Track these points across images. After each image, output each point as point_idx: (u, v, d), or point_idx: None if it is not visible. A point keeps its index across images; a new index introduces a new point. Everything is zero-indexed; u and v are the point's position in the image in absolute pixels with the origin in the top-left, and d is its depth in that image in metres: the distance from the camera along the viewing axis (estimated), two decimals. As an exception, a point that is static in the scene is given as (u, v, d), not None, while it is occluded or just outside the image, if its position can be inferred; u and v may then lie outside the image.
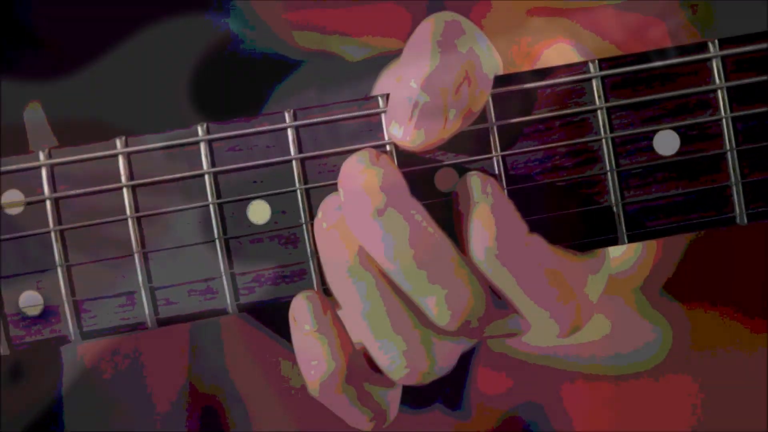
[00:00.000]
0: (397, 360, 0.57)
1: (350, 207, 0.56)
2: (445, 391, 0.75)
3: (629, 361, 1.75)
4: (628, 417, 1.69)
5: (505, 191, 0.58)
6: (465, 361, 0.76)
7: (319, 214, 0.57)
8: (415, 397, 0.76)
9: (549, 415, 1.69)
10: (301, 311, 0.58)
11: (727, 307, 1.72)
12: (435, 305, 0.56)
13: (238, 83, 0.76)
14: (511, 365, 1.71)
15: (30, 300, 0.60)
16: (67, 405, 0.74)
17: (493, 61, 0.57)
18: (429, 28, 0.57)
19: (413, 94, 0.56)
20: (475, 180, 0.56)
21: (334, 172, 0.58)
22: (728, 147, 0.56)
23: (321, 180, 0.58)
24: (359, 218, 0.56)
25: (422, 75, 0.55)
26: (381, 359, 0.57)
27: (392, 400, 0.60)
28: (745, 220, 0.56)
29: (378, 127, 0.58)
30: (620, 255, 1.86)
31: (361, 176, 0.56)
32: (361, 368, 0.59)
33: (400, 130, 0.56)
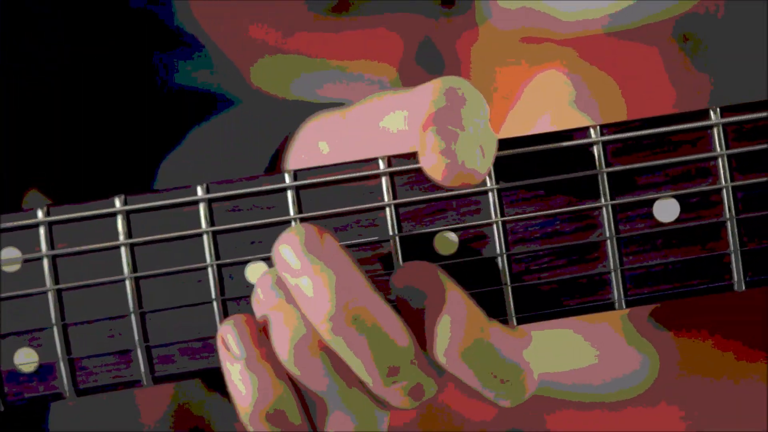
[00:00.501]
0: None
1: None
2: None
3: (616, 389, 1.75)
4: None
5: (505, 254, 0.57)
6: None
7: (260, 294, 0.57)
8: None
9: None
10: (228, 335, 0.57)
11: (716, 334, 1.72)
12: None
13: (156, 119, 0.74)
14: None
15: (25, 357, 0.59)
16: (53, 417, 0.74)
17: (490, 137, 0.56)
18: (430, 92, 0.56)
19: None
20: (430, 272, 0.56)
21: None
22: (728, 215, 0.56)
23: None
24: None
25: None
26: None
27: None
28: (743, 287, 0.56)
29: (377, 190, 0.58)
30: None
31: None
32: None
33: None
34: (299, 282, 0.55)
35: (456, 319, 0.55)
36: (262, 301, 0.56)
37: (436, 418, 1.66)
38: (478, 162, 0.55)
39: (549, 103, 1.68)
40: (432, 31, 1.69)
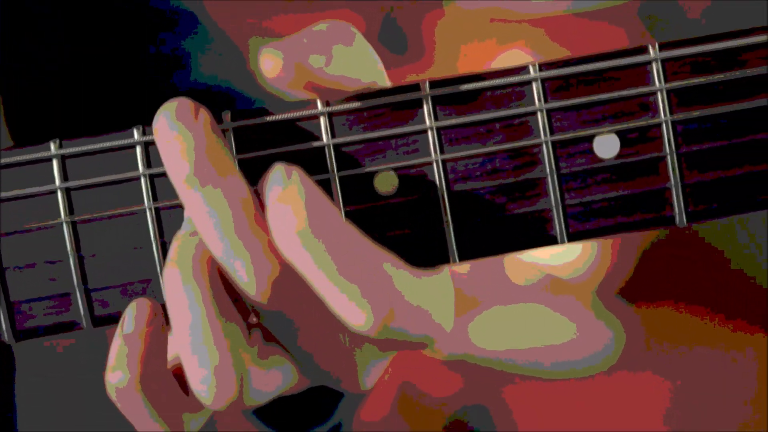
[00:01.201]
0: (208, 378, 0.55)
1: (168, 169, 0.55)
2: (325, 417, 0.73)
3: (585, 365, 1.74)
4: (579, 419, 1.68)
5: (446, 194, 0.56)
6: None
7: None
8: (286, 423, 0.74)
9: (494, 418, 1.68)
10: (126, 314, 0.56)
11: (680, 303, 1.71)
12: (243, 268, 0.54)
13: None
14: (459, 367, 1.69)
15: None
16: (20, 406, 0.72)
17: (374, 63, 0.56)
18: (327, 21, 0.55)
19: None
20: (279, 168, 0.54)
21: None
22: (668, 150, 0.55)
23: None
24: (176, 179, 0.55)
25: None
26: (191, 373, 0.55)
27: (194, 425, 0.58)
28: (685, 221, 0.55)
29: (317, 129, 0.57)
30: (574, 259, 1.86)
31: (173, 141, 0.55)
32: (170, 390, 0.57)
33: (264, 54, 0.55)
34: (165, 147, 0.55)
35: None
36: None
37: (410, 400, 1.65)
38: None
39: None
40: (396, 11, 1.68)
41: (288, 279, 0.54)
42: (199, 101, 0.56)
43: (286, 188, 0.53)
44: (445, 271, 0.56)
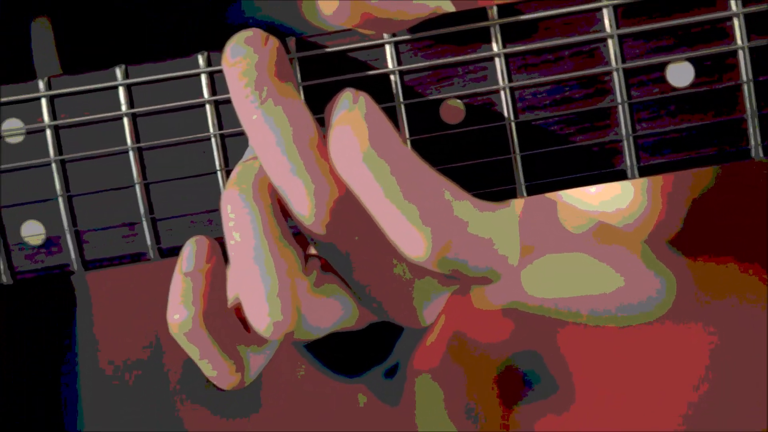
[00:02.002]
0: (264, 304, 0.53)
1: (232, 91, 0.53)
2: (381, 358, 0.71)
3: (634, 312, 1.72)
4: (630, 367, 1.66)
5: (514, 122, 0.54)
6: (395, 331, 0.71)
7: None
8: (345, 364, 0.72)
9: (548, 364, 1.66)
10: (185, 252, 0.55)
11: (734, 258, 1.68)
12: (303, 191, 0.52)
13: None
14: (511, 314, 1.68)
15: (32, 229, 0.57)
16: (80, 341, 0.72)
17: None
18: None
19: None
20: (346, 94, 0.52)
21: None
22: (745, 78, 0.53)
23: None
24: (240, 100, 0.53)
25: None
26: (247, 299, 0.53)
27: (255, 362, 0.56)
28: (761, 154, 0.52)
29: (382, 56, 0.55)
30: (625, 206, 1.83)
31: (241, 62, 0.53)
32: (231, 325, 0.55)
33: None
34: (231, 69, 0.53)
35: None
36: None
37: (462, 347, 1.64)
38: None
39: None
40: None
41: (346, 206, 0.52)
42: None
43: (351, 111, 0.52)
44: (512, 204, 0.55)
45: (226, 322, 0.55)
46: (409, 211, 0.51)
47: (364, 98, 0.52)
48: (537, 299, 1.70)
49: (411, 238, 0.51)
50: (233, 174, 0.54)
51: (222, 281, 0.55)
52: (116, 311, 0.74)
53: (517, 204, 0.55)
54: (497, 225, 0.53)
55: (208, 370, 0.56)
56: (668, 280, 1.70)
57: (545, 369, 1.64)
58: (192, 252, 0.55)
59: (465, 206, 0.52)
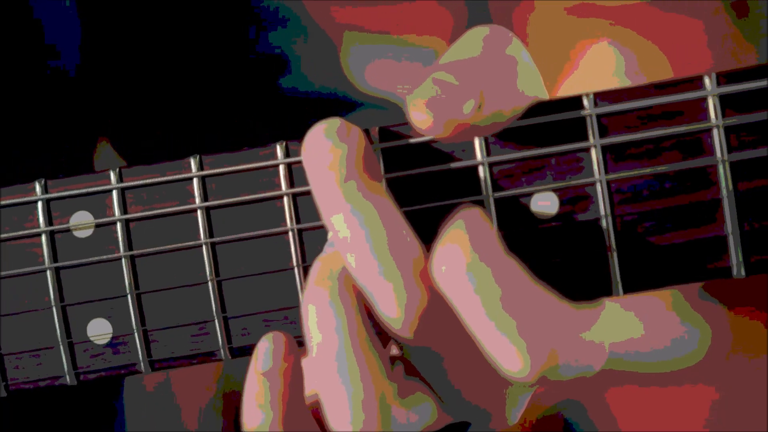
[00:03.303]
0: (349, 413, 0.49)
1: (315, 184, 0.50)
2: None
3: (663, 359, 1.67)
4: (671, 423, 1.62)
5: (610, 216, 0.50)
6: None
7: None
8: None
9: (590, 414, 1.62)
10: (261, 349, 0.51)
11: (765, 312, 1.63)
12: (392, 294, 0.48)
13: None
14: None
15: (99, 328, 0.53)
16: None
17: (534, 78, 0.50)
18: (479, 29, 0.49)
19: (438, 69, 0.49)
20: (460, 217, 0.48)
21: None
22: None
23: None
24: (325, 194, 0.49)
25: (455, 59, 0.49)
26: (330, 406, 0.50)
27: None
28: None
29: (469, 147, 0.51)
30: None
31: (325, 154, 0.49)
32: (311, 429, 0.51)
33: (412, 106, 0.48)
34: (313, 161, 0.50)
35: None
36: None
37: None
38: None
39: (601, 74, 1.61)
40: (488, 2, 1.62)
41: (437, 311, 0.49)
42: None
43: (460, 227, 0.48)
44: (605, 305, 0.51)
45: (305, 425, 0.51)
46: (507, 326, 0.47)
47: (477, 212, 0.48)
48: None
49: (508, 356, 0.47)
50: (314, 270, 0.50)
51: (300, 381, 0.51)
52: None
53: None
54: (597, 330, 0.49)
55: None
56: (702, 329, 1.65)
57: (586, 416, 1.59)
58: (269, 350, 0.51)
59: (565, 320, 0.48)
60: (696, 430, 1.58)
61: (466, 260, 0.47)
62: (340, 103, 0.72)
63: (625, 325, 1.66)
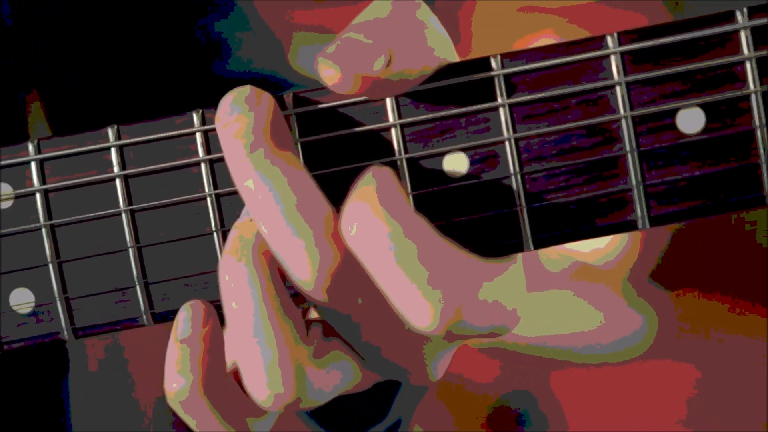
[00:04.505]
0: (263, 377, 0.49)
1: (227, 152, 0.50)
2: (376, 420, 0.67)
3: (616, 350, 1.68)
4: (617, 403, 1.62)
5: (519, 173, 0.51)
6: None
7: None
8: (344, 425, 0.68)
9: (540, 404, 1.62)
10: (180, 317, 0.51)
11: (717, 291, 1.65)
12: (303, 256, 0.48)
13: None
14: (500, 354, 1.64)
15: (21, 298, 0.53)
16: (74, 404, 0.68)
17: (443, 41, 0.51)
18: None
19: (348, 31, 0.49)
20: (369, 173, 0.49)
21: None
22: (758, 123, 0.49)
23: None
24: (235, 162, 0.49)
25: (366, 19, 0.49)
26: (246, 371, 0.50)
27: (257, 427, 0.52)
28: (776, 200, 0.49)
29: (381, 110, 0.51)
30: (603, 246, 1.80)
31: (234, 122, 0.49)
32: (231, 392, 0.51)
33: (322, 63, 0.49)
34: (224, 130, 0.50)
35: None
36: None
37: (450, 387, 1.60)
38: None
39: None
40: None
41: (349, 271, 0.49)
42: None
43: (369, 185, 0.48)
44: (518, 259, 0.51)
45: (226, 390, 0.51)
46: (417, 282, 0.47)
47: (386, 171, 0.48)
48: (522, 338, 1.66)
49: (418, 309, 0.47)
50: (230, 239, 0.50)
51: (220, 346, 0.51)
52: (112, 378, 0.70)
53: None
54: (505, 284, 0.49)
55: None
56: (649, 317, 1.67)
57: (536, 407, 1.60)
58: (188, 317, 0.51)
59: (473, 271, 0.48)
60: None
61: (374, 217, 0.48)
62: (278, 86, 0.72)
63: (582, 313, 1.67)
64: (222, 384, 0.51)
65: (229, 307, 0.50)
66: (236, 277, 0.50)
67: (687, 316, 1.64)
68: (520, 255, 0.51)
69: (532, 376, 1.63)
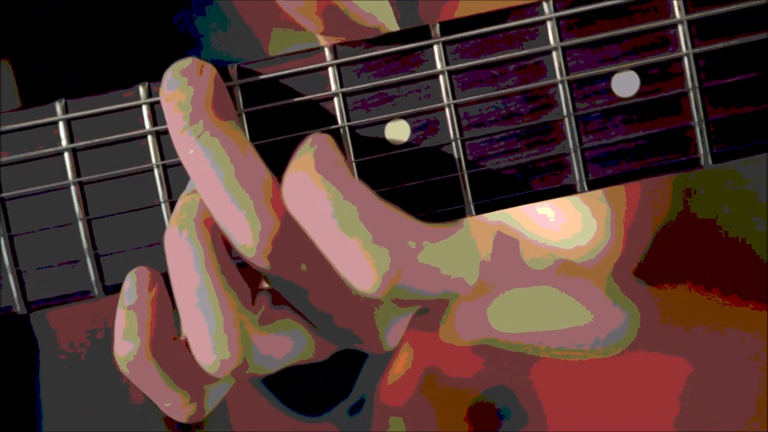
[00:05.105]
0: (207, 342, 0.50)
1: (169, 123, 0.51)
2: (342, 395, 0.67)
3: (601, 346, 1.68)
4: (601, 399, 1.62)
5: (459, 140, 0.51)
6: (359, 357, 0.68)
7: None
8: (308, 402, 0.68)
9: (520, 399, 1.62)
10: (126, 285, 0.52)
11: (701, 286, 1.65)
12: (245, 223, 0.49)
13: None
14: (483, 350, 1.64)
15: (-28, 272, 0.53)
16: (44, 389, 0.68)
17: (383, 6, 0.51)
18: None
19: None
20: (308, 138, 0.50)
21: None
22: (690, 86, 0.50)
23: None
24: (176, 133, 0.50)
25: None
26: (191, 337, 0.50)
27: (211, 392, 0.52)
28: (710, 162, 0.49)
29: (325, 79, 0.52)
30: (586, 244, 1.80)
31: (176, 94, 0.50)
32: (181, 355, 0.52)
33: None
34: (167, 102, 0.51)
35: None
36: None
37: (435, 383, 1.60)
38: None
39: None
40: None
41: (290, 236, 0.49)
42: None
43: (308, 152, 0.49)
44: (464, 224, 0.51)
45: (176, 354, 0.52)
46: (360, 240, 0.47)
47: (325, 138, 0.49)
48: (505, 334, 1.67)
49: (360, 271, 0.48)
50: (175, 210, 0.51)
51: (167, 311, 0.52)
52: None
53: (473, 223, 0.52)
54: (450, 249, 0.50)
55: (161, 403, 0.52)
56: (632, 312, 1.67)
57: (517, 403, 1.60)
58: (132, 284, 0.51)
59: (415, 234, 0.49)
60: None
61: (313, 183, 0.48)
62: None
63: (565, 310, 1.68)
64: (171, 348, 0.51)
65: (175, 277, 0.50)
66: (179, 248, 0.50)
67: (671, 311, 1.64)
68: (466, 220, 0.51)
69: (515, 372, 1.63)
